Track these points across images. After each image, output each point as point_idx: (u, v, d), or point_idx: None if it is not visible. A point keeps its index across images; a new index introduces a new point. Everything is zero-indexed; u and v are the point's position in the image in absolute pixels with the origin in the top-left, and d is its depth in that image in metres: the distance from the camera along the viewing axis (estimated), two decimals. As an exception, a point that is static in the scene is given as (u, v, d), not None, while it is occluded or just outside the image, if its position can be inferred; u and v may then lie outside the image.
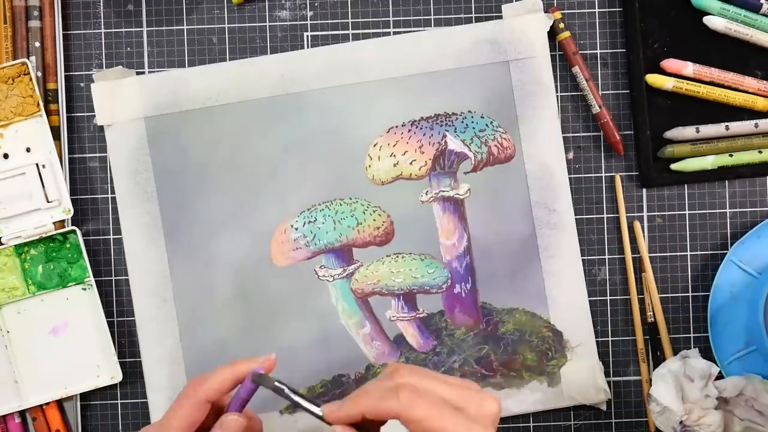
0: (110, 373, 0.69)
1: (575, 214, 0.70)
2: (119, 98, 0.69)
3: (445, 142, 0.69)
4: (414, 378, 0.47)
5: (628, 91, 0.71)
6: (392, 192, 0.70)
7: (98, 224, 0.71)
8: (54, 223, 0.69)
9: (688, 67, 0.70)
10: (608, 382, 0.70)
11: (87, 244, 0.70)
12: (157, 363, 0.69)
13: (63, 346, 0.69)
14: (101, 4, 0.71)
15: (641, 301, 0.71)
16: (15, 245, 0.69)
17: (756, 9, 0.70)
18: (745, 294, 0.69)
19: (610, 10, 0.71)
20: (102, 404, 0.70)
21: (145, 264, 0.70)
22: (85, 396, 0.70)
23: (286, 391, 0.49)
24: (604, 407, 0.70)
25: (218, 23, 0.71)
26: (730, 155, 0.70)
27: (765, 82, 0.70)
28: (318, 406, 0.49)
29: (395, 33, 0.71)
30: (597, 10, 0.71)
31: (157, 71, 0.71)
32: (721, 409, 0.66)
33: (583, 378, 0.69)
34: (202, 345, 0.70)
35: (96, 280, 0.69)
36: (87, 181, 0.70)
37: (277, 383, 0.50)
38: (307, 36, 0.71)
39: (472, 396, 0.48)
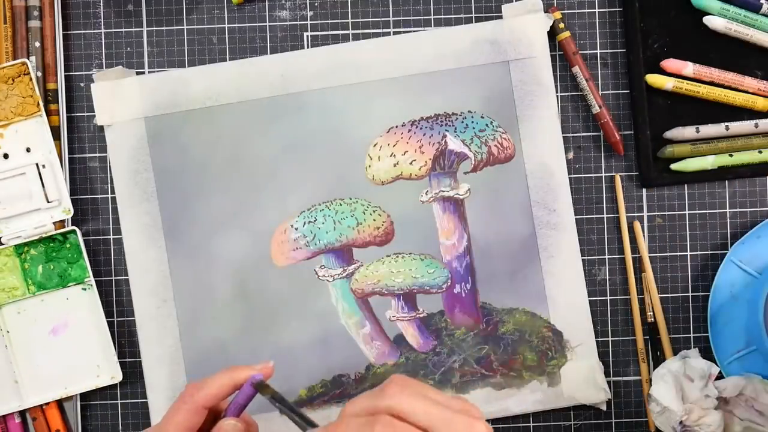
0: (110, 373, 0.69)
1: (575, 214, 0.70)
2: (119, 98, 0.69)
3: (445, 142, 0.69)
4: (403, 398, 0.45)
5: (628, 91, 0.71)
6: (392, 192, 0.70)
7: (98, 224, 0.71)
8: (54, 223, 0.69)
9: (688, 67, 0.70)
10: (608, 382, 0.70)
11: (87, 244, 0.70)
12: (157, 363, 0.69)
13: (63, 346, 0.69)
14: (101, 4, 0.71)
15: (641, 301, 0.71)
16: (15, 245, 0.69)
17: (756, 9, 0.70)
18: (745, 294, 0.69)
19: (610, 10, 0.71)
20: (102, 404, 0.70)
21: (145, 264, 0.70)
22: (85, 396, 0.70)
23: (283, 408, 0.49)
24: (604, 407, 0.70)
25: (218, 23, 0.71)
26: (730, 155, 0.70)
27: (765, 82, 0.70)
28: (309, 424, 0.48)
29: (395, 33, 0.71)
30: (597, 10, 0.71)
31: (157, 71, 0.71)
32: (721, 409, 0.66)
33: (583, 378, 0.69)
34: (202, 345, 0.70)
35: (96, 280, 0.69)
36: (87, 181, 0.70)
37: (272, 397, 0.50)
38: (307, 36, 0.71)
39: (460, 422, 0.45)
